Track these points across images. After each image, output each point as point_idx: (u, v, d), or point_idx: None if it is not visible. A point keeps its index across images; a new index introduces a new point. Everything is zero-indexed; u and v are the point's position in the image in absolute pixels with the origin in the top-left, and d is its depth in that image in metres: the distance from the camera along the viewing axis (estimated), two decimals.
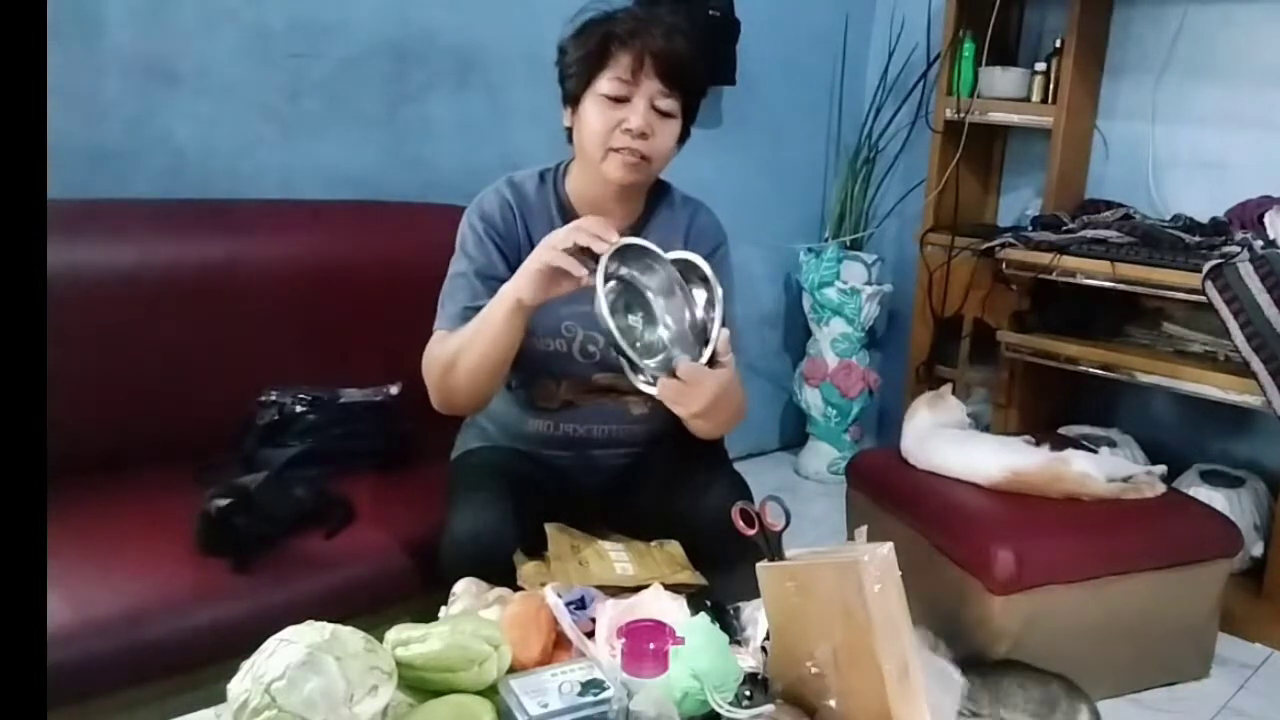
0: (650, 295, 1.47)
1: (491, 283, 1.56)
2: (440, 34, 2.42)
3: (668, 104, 1.54)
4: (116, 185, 2.00)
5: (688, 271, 1.47)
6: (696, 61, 1.58)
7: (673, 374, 1.39)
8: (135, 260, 1.91)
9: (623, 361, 1.40)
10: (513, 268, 1.55)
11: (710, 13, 2.78)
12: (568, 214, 1.63)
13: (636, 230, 1.65)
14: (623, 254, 1.40)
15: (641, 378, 1.41)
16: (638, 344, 1.44)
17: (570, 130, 1.61)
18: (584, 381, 1.66)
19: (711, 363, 1.42)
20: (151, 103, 2.05)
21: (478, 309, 1.53)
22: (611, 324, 1.35)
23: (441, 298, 1.63)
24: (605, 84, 1.52)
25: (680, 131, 1.60)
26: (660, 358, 1.44)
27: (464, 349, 1.51)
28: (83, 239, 1.85)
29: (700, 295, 1.47)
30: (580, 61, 1.55)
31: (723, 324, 1.44)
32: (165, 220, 1.99)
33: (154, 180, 2.06)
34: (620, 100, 1.52)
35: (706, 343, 1.43)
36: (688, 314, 1.46)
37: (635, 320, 1.46)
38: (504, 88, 2.55)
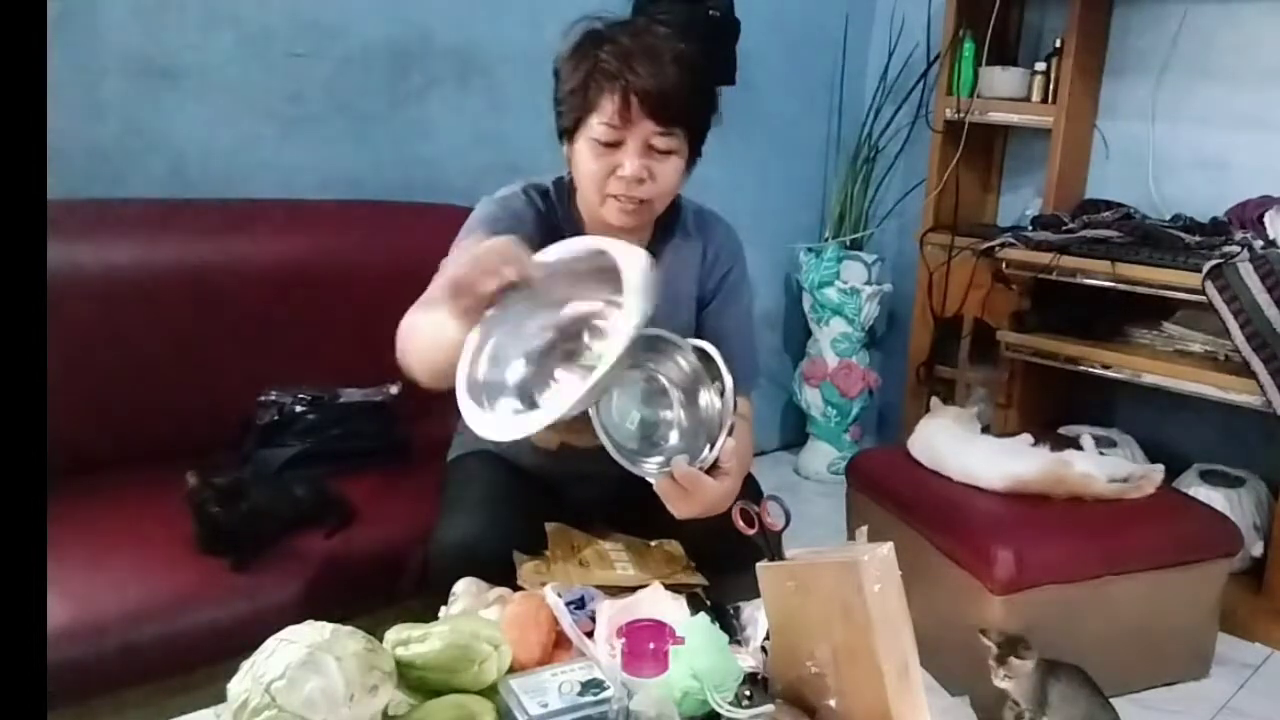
0: (667, 384, 1.39)
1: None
2: (440, 34, 2.42)
3: (665, 142, 1.41)
4: (116, 185, 2.00)
5: (704, 360, 1.37)
6: (694, 93, 1.42)
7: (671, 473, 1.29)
8: (135, 260, 1.91)
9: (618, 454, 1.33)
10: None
11: (710, 13, 2.77)
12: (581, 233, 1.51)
13: None
14: (645, 341, 1.30)
15: (640, 467, 1.34)
16: (653, 437, 1.37)
17: (570, 162, 1.51)
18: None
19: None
20: (151, 103, 2.05)
21: None
22: (604, 436, 1.29)
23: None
24: (595, 128, 1.40)
25: (686, 162, 1.47)
26: (662, 455, 1.35)
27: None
28: (82, 239, 1.85)
29: (716, 385, 1.36)
30: (568, 99, 1.43)
31: (730, 428, 1.33)
32: (165, 220, 1.99)
33: (154, 180, 2.06)
34: (612, 145, 1.40)
35: (714, 442, 1.33)
36: (703, 403, 1.37)
37: (650, 414, 1.38)
38: (504, 88, 2.54)
